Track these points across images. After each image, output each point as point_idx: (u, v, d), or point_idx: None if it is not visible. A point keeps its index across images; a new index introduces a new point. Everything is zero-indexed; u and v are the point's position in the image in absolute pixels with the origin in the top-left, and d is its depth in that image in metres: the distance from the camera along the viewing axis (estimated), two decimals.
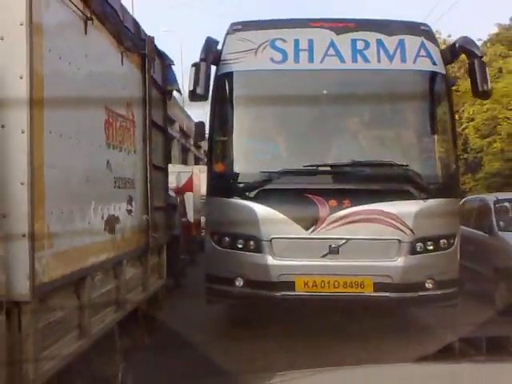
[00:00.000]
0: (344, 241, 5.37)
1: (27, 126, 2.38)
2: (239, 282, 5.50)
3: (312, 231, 5.39)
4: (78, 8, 2.98)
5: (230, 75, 5.88)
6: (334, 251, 5.36)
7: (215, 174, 5.94)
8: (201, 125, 6.45)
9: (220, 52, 5.94)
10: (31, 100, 2.40)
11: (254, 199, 5.51)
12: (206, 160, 7.22)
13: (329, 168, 5.72)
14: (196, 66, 5.59)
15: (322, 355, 4.70)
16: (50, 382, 2.54)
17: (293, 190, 5.53)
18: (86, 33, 3.09)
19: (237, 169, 5.78)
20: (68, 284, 2.84)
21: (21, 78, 2.38)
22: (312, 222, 5.38)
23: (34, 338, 2.38)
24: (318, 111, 6.01)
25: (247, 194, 5.55)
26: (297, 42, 5.87)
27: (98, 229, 3.28)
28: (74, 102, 2.96)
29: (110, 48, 3.59)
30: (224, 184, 5.76)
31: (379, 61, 5.82)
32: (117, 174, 3.68)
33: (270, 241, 5.47)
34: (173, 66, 5.20)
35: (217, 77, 5.87)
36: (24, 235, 2.36)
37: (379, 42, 5.87)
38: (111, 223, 3.52)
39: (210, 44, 5.94)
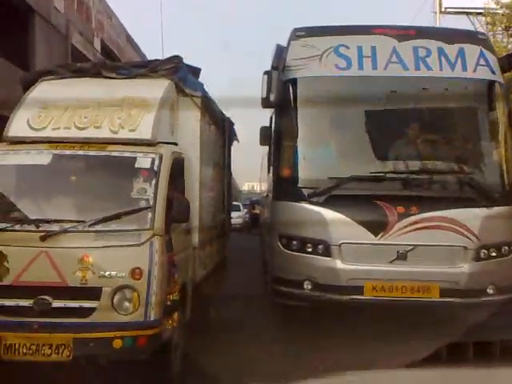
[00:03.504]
0: (412, 247, 5.47)
1: (199, 180, 5.80)
2: (307, 285, 5.63)
3: (381, 237, 5.49)
4: (208, 121, 6.51)
5: (295, 81, 5.98)
6: (401, 257, 5.47)
7: (283, 178, 6.04)
8: (266, 129, 6.92)
9: (284, 58, 6.11)
10: (201, 174, 5.73)
11: (324, 204, 5.62)
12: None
13: (396, 175, 5.77)
14: (268, 73, 5.81)
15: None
16: (198, 283, 6.03)
17: (361, 196, 5.61)
18: (209, 129, 6.66)
19: (305, 174, 5.86)
20: (206, 243, 6.39)
21: (196, 158, 5.90)
22: (381, 228, 5.49)
23: (198, 261, 5.87)
24: (382, 118, 6.07)
25: (317, 199, 5.65)
26: (360, 48, 6.00)
27: (211, 219, 6.83)
28: (210, 161, 6.56)
29: (215, 130, 7.04)
30: (293, 189, 5.83)
31: (441, 69, 5.95)
32: (216, 192, 7.20)
33: (340, 245, 5.57)
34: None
35: (282, 83, 5.95)
36: (195, 222, 5.89)
37: (440, 50, 6.00)
38: (214, 216, 7.06)
39: (280, 51, 6.18)
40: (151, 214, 4.50)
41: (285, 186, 6.07)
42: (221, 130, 7.40)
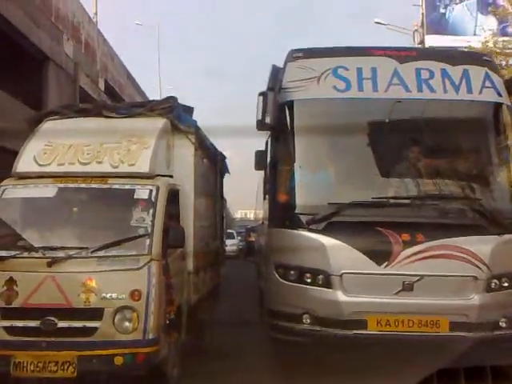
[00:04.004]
0: (418, 277, 5.16)
1: (193, 209, 6.18)
2: (306, 319, 5.32)
3: (385, 267, 5.20)
4: (201, 155, 6.99)
5: (291, 104, 5.79)
6: (407, 288, 5.17)
7: (279, 204, 5.78)
8: (261, 153, 6.59)
9: (280, 80, 5.91)
10: (195, 204, 6.16)
11: (323, 232, 5.32)
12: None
13: (400, 200, 5.51)
14: (263, 95, 5.66)
15: None
16: (192, 306, 6.38)
17: (364, 223, 5.32)
18: (203, 162, 7.14)
19: (303, 200, 5.57)
20: (200, 268, 6.76)
21: (190, 189, 6.31)
22: (385, 257, 5.20)
23: (192, 285, 6.22)
24: (384, 141, 5.80)
25: (316, 226, 5.36)
26: (360, 70, 5.82)
27: (204, 246, 7.23)
28: (203, 192, 7.00)
29: (208, 163, 7.52)
30: (290, 216, 5.55)
31: (445, 91, 5.76)
32: (210, 220, 7.62)
33: (341, 276, 5.26)
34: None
35: (278, 105, 5.79)
36: (190, 249, 6.27)
37: (443, 72, 5.82)
38: (208, 244, 7.45)
39: (276, 72, 5.99)
40: (149, 241, 4.91)
41: (281, 213, 5.79)
42: (213, 163, 7.88)
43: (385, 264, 5.23)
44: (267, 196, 6.55)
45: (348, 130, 5.74)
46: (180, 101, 6.40)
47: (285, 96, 5.86)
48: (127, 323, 4.62)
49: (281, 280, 5.54)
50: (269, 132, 6.42)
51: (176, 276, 5.42)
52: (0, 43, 11.23)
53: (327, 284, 5.32)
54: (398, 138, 5.87)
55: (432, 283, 5.23)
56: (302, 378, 5.31)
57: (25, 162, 5.51)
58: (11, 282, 4.66)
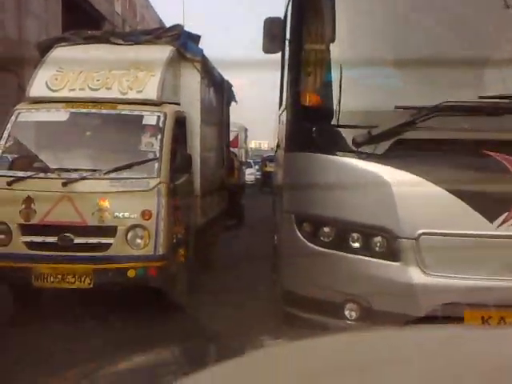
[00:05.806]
0: None
1: (199, 136, 6.48)
2: (351, 312, 3.28)
3: (500, 224, 3.07)
4: (207, 83, 7.13)
5: None
6: None
7: (306, 111, 3.55)
8: (276, 24, 3.96)
9: None
10: (201, 131, 6.42)
11: (385, 159, 3.20)
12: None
13: None
14: None
15: None
16: (200, 228, 6.73)
17: (461, 144, 3.16)
18: (209, 91, 7.25)
19: (348, 102, 3.33)
20: (207, 193, 7.07)
21: (197, 116, 6.53)
22: (500, 207, 3.08)
23: (200, 209, 6.57)
24: (479, 7, 3.46)
25: (371, 148, 3.25)
26: None
27: (210, 172, 7.53)
28: (210, 120, 7.22)
29: (214, 92, 7.69)
30: (325, 129, 3.43)
31: None
32: (216, 148, 7.86)
33: (417, 239, 3.16)
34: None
35: None
36: (197, 174, 6.54)
37: None
38: (214, 170, 7.74)
39: None
40: (158, 165, 5.18)
41: (309, 125, 3.49)
42: (219, 91, 8.01)
43: (500, 219, 3.10)
44: (284, 99, 4.22)
45: None
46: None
47: None
48: (139, 240, 4.96)
49: (305, 242, 3.44)
50: None
51: (184, 199, 5.72)
52: (68, 8, 13.39)
53: (391, 253, 3.25)
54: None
55: None
56: None
57: (37, 87, 5.69)
58: (29, 200, 4.96)
